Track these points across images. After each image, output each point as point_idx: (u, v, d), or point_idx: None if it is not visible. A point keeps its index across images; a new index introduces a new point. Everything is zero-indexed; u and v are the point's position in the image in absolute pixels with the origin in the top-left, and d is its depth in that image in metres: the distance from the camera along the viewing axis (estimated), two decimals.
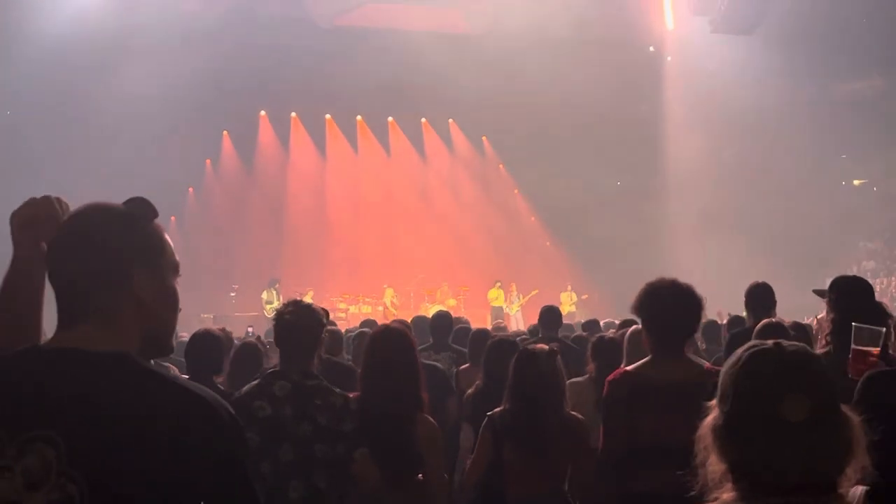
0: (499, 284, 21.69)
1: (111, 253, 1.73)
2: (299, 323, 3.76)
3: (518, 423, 4.08)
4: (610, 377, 3.65)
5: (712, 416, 1.78)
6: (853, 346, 3.59)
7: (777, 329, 4.73)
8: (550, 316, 7.90)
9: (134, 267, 1.75)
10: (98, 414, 1.57)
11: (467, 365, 6.53)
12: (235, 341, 6.10)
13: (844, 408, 1.72)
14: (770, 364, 1.72)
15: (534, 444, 4.05)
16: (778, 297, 6.05)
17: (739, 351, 1.78)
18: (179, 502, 1.55)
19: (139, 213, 1.79)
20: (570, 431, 4.10)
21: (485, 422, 4.22)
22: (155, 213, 1.80)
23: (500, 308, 21.29)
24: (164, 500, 1.54)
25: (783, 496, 1.68)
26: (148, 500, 1.53)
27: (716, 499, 1.75)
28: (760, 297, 5.90)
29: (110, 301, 1.72)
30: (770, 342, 1.76)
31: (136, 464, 1.53)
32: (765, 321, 5.02)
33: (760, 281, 6.00)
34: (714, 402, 1.79)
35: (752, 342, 1.80)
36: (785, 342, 1.76)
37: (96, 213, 1.78)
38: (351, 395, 3.80)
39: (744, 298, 5.97)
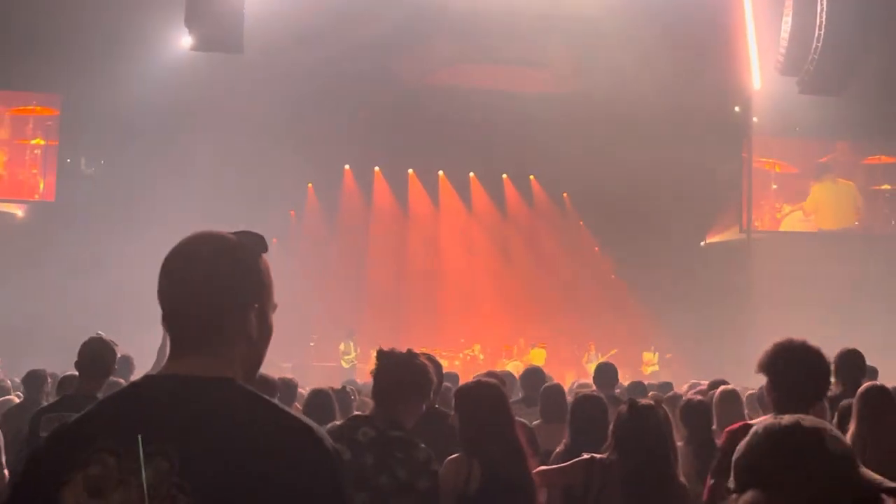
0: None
1: (235, 291, 1.77)
2: (394, 371, 3.76)
3: (630, 476, 3.97)
4: (730, 428, 3.61)
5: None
6: None
7: (882, 392, 4.56)
8: (606, 373, 7.89)
9: (251, 306, 1.80)
10: (211, 432, 1.63)
11: (538, 421, 6.33)
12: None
13: None
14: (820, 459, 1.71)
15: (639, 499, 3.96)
16: (876, 363, 5.85)
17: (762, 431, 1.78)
18: None
19: (255, 248, 1.81)
20: (678, 497, 3.99)
21: (585, 457, 4.12)
22: (266, 248, 1.83)
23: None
24: None
25: None
26: None
27: None
28: (850, 365, 5.65)
29: (227, 337, 1.77)
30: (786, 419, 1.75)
31: (245, 478, 1.59)
32: (868, 384, 4.84)
33: (851, 348, 5.78)
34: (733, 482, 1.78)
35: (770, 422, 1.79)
36: (801, 418, 1.76)
37: (217, 245, 1.79)
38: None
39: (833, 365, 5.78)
